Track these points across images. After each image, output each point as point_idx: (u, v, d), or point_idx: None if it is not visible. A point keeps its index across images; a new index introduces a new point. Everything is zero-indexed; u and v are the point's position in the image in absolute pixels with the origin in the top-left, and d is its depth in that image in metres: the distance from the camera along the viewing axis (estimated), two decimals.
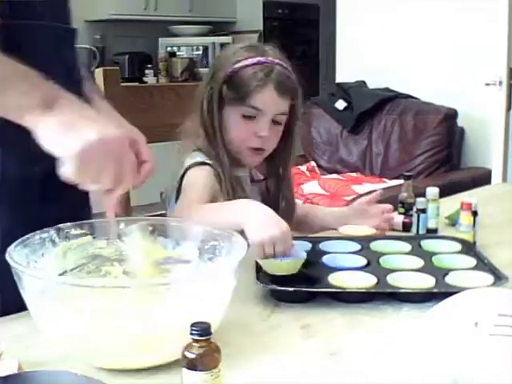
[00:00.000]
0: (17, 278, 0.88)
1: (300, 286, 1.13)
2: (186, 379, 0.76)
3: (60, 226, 1.02)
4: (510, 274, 1.16)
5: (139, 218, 1.10)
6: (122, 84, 1.54)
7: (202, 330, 0.76)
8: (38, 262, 0.96)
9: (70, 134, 0.88)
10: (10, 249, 0.91)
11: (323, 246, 1.34)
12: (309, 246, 1.34)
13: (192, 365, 0.75)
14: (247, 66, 1.44)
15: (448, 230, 1.51)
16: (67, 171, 0.88)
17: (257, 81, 1.43)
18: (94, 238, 1.05)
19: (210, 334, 0.76)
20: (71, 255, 1.02)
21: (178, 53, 5.15)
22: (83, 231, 1.04)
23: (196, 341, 0.76)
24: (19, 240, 0.95)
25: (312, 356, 0.93)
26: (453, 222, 1.55)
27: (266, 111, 1.44)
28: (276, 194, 1.57)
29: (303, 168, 3.87)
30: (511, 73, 3.51)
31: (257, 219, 1.19)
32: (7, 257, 0.89)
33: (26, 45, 1.06)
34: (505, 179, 3.53)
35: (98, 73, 1.52)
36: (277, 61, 1.46)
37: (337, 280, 1.15)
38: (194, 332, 0.76)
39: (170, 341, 0.84)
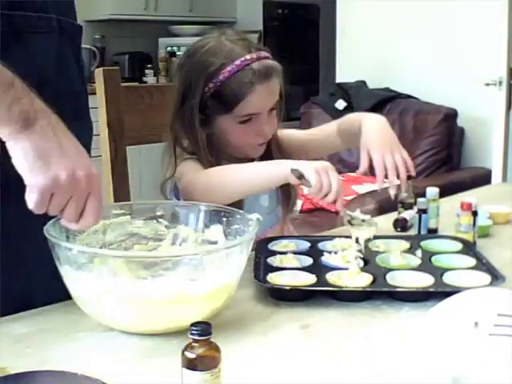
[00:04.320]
0: (53, 250, 0.97)
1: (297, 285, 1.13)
2: (186, 379, 0.76)
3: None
4: (510, 274, 1.16)
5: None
6: (122, 84, 1.54)
7: (202, 329, 0.76)
8: (78, 236, 1.06)
9: (40, 164, 0.88)
10: (49, 223, 0.98)
11: (323, 245, 1.34)
12: (308, 245, 1.34)
13: (192, 365, 0.75)
14: (227, 77, 1.38)
15: (448, 230, 1.51)
16: (29, 200, 0.89)
17: (243, 89, 1.38)
18: (132, 217, 1.16)
19: (209, 334, 0.76)
20: (111, 232, 1.12)
21: (178, 53, 5.14)
22: (122, 211, 1.16)
23: (196, 341, 0.76)
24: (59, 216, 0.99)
25: (312, 356, 0.93)
26: (487, 233, 1.53)
27: (261, 111, 1.42)
28: None
29: None
30: (511, 73, 3.51)
31: (311, 164, 1.21)
32: (45, 231, 0.96)
33: (28, 38, 1.06)
34: (505, 179, 3.53)
35: (98, 73, 1.52)
36: (253, 55, 1.39)
37: (334, 279, 1.15)
38: (194, 332, 0.76)
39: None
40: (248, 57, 1.39)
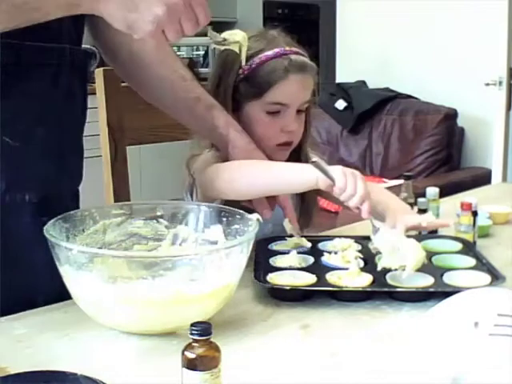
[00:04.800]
0: (53, 250, 0.97)
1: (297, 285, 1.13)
2: (186, 379, 0.76)
3: (102, 205, 1.07)
4: (510, 274, 1.16)
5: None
6: (122, 84, 1.54)
7: (202, 329, 0.76)
8: (78, 236, 1.06)
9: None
10: (49, 223, 0.99)
11: (323, 245, 1.34)
12: (308, 245, 1.34)
13: (192, 365, 0.75)
14: (263, 61, 1.37)
15: (448, 230, 1.51)
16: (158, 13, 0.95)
17: (277, 75, 1.36)
18: (132, 218, 1.16)
19: (210, 334, 0.76)
20: (111, 232, 1.12)
21: (178, 53, 5.14)
22: (122, 211, 1.16)
23: (196, 341, 0.76)
24: (60, 216, 1.01)
25: (312, 356, 0.93)
26: (487, 233, 1.53)
27: (290, 104, 1.38)
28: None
29: None
30: (511, 73, 3.51)
31: (339, 166, 1.21)
32: (45, 231, 0.96)
33: (35, 72, 1.05)
34: (505, 179, 3.53)
35: (98, 73, 1.52)
36: (293, 49, 1.40)
37: (335, 279, 1.15)
38: (194, 332, 0.76)
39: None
40: (287, 48, 1.40)
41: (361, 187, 1.16)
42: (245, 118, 1.41)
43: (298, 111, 1.40)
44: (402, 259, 1.15)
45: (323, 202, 3.21)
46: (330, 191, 1.19)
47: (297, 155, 1.46)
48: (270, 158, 1.37)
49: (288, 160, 1.42)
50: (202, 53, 5.19)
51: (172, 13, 0.96)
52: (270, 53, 1.38)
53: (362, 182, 1.17)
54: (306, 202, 1.51)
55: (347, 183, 1.17)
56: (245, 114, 1.41)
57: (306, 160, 1.48)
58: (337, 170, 1.19)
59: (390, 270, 1.18)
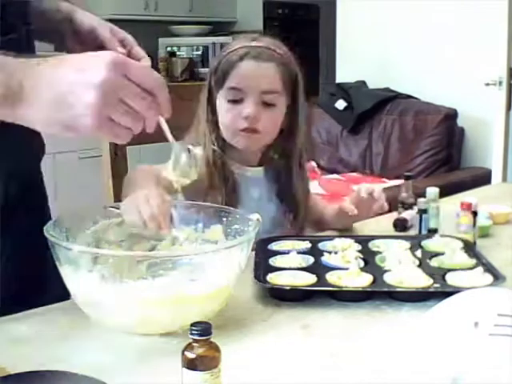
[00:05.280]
0: (53, 250, 0.97)
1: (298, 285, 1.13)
2: (186, 379, 0.76)
3: (102, 205, 1.06)
4: (510, 274, 1.16)
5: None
6: None
7: (202, 329, 0.76)
8: (78, 236, 1.06)
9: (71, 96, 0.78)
10: (49, 224, 0.98)
11: (323, 245, 1.34)
12: (308, 245, 1.34)
13: (192, 365, 0.75)
14: (228, 53, 1.46)
15: (448, 230, 1.51)
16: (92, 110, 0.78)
17: (233, 61, 1.44)
18: None
19: (210, 334, 0.76)
20: (111, 232, 1.12)
21: (178, 53, 5.15)
22: None
23: (196, 341, 0.76)
24: (59, 216, 1.00)
25: (312, 356, 0.93)
26: (487, 233, 1.53)
27: (247, 91, 1.43)
28: (288, 189, 1.52)
29: None
30: (511, 73, 3.51)
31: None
32: (45, 231, 0.95)
33: None
34: (505, 179, 3.53)
35: None
36: (259, 43, 1.46)
37: (334, 279, 1.15)
38: (194, 332, 0.76)
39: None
40: (251, 42, 1.47)
41: (154, 208, 1.08)
42: (217, 109, 1.49)
43: (265, 103, 1.44)
44: None
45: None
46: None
47: (288, 153, 1.51)
48: (235, 141, 1.47)
49: (279, 159, 1.51)
50: (201, 53, 5.19)
51: (109, 94, 0.78)
52: (233, 47, 1.47)
53: (154, 204, 1.09)
54: (295, 205, 1.53)
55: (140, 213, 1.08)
56: (217, 106, 1.49)
57: (300, 160, 1.52)
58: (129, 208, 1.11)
59: (389, 270, 1.18)
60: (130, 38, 1.07)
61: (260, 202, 1.49)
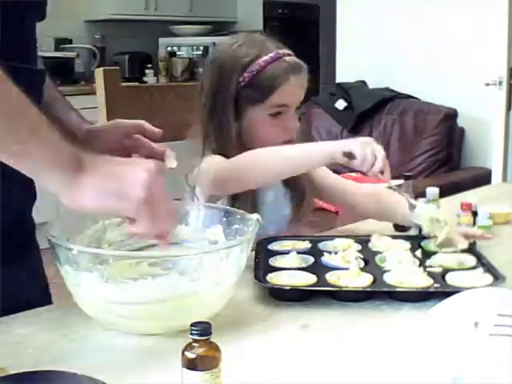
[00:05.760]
0: (53, 250, 0.96)
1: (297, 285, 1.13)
2: (186, 379, 0.76)
3: None
4: (510, 274, 1.16)
5: None
6: (122, 84, 1.54)
7: (202, 329, 0.76)
8: (78, 236, 1.06)
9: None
10: (49, 224, 0.98)
11: (323, 245, 1.34)
12: (308, 245, 1.34)
13: (192, 365, 0.75)
14: (263, 66, 1.41)
15: None
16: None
17: (279, 78, 1.41)
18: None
19: (210, 333, 0.76)
20: (111, 232, 1.12)
21: (178, 53, 5.15)
22: None
23: (196, 341, 0.76)
24: (60, 216, 1.01)
25: (312, 356, 0.93)
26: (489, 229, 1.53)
27: (291, 104, 1.44)
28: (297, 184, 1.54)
29: None
30: (511, 73, 3.51)
31: (355, 139, 1.26)
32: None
33: None
34: (505, 179, 3.54)
35: (98, 73, 1.52)
36: (285, 51, 1.45)
37: (334, 279, 1.15)
38: (194, 332, 0.76)
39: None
40: (280, 51, 1.45)
41: (379, 153, 1.23)
42: (247, 124, 1.45)
43: (295, 109, 1.46)
44: (440, 228, 1.29)
45: (323, 202, 3.21)
46: (347, 164, 1.24)
47: None
48: None
49: None
50: (201, 53, 5.19)
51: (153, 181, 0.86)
52: (266, 58, 1.42)
53: (378, 148, 1.24)
54: (299, 191, 1.54)
55: (366, 154, 1.22)
56: (247, 120, 1.44)
57: None
58: (352, 142, 1.24)
59: (389, 270, 1.18)
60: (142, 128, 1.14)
61: (276, 204, 1.50)
